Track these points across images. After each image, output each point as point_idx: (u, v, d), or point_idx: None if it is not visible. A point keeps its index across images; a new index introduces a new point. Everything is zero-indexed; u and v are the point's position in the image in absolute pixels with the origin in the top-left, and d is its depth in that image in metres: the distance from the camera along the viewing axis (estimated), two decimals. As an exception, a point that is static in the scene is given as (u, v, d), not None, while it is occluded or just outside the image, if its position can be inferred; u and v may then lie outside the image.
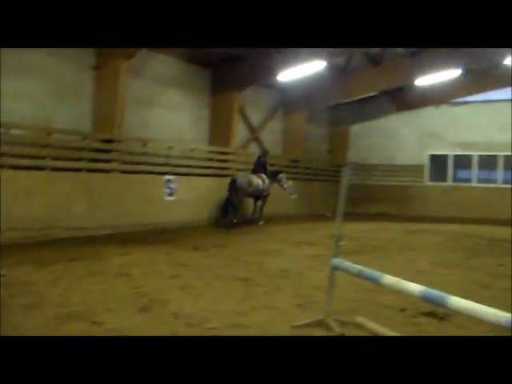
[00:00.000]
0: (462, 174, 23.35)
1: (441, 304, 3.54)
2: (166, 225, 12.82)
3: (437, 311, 5.31)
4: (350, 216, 20.68)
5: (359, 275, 4.53)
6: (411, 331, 4.84)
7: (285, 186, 16.76)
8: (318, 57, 15.29)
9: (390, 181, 23.33)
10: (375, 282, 4.31)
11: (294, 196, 18.09)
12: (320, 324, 4.87)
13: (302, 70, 15.95)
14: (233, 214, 14.69)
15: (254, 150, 18.75)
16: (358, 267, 4.57)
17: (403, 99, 22.49)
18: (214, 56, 15.59)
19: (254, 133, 18.86)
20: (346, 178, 4.82)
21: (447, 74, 18.79)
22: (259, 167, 15.92)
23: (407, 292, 3.91)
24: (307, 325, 4.87)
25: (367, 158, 23.76)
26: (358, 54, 18.57)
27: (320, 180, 20.44)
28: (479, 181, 22.52)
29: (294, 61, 15.43)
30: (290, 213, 17.45)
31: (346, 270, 4.73)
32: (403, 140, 23.46)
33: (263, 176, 15.72)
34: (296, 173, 19.66)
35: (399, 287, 3.98)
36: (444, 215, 20.16)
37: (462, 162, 22.81)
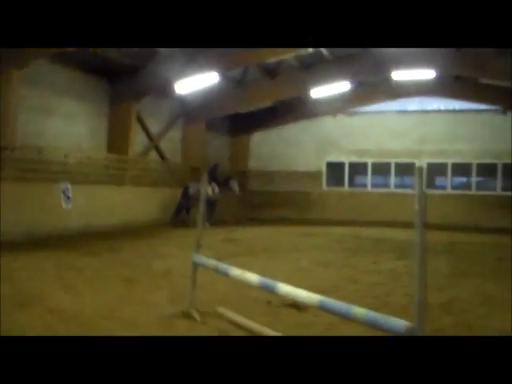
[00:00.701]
0: (358, 179, 24.48)
1: (272, 290, 4.12)
2: (62, 232, 12.83)
3: (298, 304, 5.88)
4: (252, 221, 21.17)
5: (214, 269, 5.08)
6: (268, 319, 5.42)
7: (236, 191, 18.37)
8: (213, 68, 15.94)
9: (291, 187, 24.08)
10: (225, 274, 4.86)
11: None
12: (184, 315, 5.38)
13: (198, 81, 16.50)
14: (186, 216, 16.84)
15: (154, 158, 19.16)
16: (213, 263, 5.12)
17: (302, 109, 23.41)
18: (111, 66, 15.77)
19: (153, 141, 19.09)
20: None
21: (339, 86, 19.87)
22: (214, 177, 17.25)
23: (249, 282, 4.48)
24: (172, 315, 5.37)
25: (269, 165, 24.52)
26: (253, 67, 19.31)
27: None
28: (374, 186, 23.67)
29: (190, 71, 16.01)
30: (194, 219, 17.78)
31: (205, 266, 5.26)
32: (303, 148, 24.22)
33: (214, 185, 17.18)
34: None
35: (243, 278, 4.56)
36: (341, 219, 21.17)
37: (358, 168, 23.96)
